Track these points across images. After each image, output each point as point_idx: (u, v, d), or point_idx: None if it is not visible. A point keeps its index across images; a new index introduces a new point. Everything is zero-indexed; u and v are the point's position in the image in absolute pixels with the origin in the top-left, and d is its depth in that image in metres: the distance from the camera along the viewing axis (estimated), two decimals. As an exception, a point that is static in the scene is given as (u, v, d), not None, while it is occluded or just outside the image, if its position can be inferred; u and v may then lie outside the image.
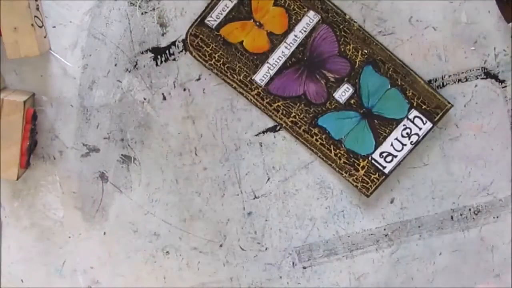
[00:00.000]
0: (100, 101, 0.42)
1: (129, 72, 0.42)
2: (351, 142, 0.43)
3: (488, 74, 0.43)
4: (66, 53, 0.41)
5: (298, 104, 0.42)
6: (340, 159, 0.43)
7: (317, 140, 0.43)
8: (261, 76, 0.42)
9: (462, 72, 0.42)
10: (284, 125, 0.42)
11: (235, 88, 0.42)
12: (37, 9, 0.39)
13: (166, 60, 0.42)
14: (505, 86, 0.43)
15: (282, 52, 0.41)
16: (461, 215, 0.46)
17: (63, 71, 0.42)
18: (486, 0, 0.41)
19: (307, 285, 0.46)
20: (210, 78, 0.42)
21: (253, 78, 0.42)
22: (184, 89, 0.42)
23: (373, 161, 0.43)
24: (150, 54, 0.42)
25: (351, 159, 0.43)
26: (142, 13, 0.41)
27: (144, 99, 0.43)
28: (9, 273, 0.45)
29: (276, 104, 0.42)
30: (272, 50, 0.41)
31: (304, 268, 0.46)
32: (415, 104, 0.42)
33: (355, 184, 0.44)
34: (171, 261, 0.45)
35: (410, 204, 0.45)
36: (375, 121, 0.43)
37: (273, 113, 0.42)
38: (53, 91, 0.42)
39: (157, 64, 0.42)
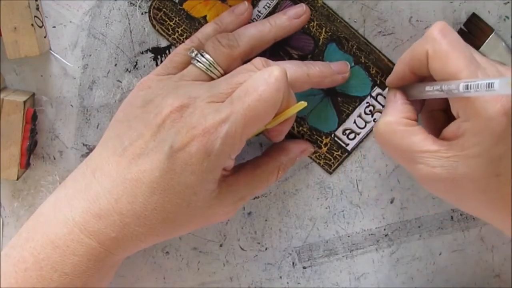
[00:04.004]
0: (100, 101, 0.42)
1: (129, 72, 0.42)
2: (314, 120, 0.43)
3: (488, 74, 0.43)
4: (66, 53, 0.41)
5: None
6: (303, 136, 0.43)
7: None
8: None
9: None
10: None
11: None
12: (37, 9, 0.39)
13: (166, 60, 0.42)
14: (505, 86, 0.43)
15: (246, 28, 0.40)
16: (461, 215, 0.46)
17: (63, 71, 0.42)
18: (486, 0, 0.41)
19: (307, 285, 0.46)
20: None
21: None
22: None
23: (336, 138, 0.43)
24: (150, 54, 0.42)
25: (314, 136, 0.43)
26: (142, 13, 0.41)
27: (144, 99, 0.42)
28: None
29: None
30: (235, 25, 0.40)
31: (304, 268, 0.46)
32: (378, 81, 0.43)
33: (317, 161, 0.44)
34: (171, 261, 0.45)
35: (410, 204, 0.45)
36: (338, 98, 0.43)
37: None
38: (53, 91, 0.42)
39: (157, 64, 0.42)
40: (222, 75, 0.38)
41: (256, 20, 0.41)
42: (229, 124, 0.34)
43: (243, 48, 0.38)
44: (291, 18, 0.40)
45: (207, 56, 0.37)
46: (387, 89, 0.42)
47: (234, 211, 0.38)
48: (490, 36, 0.40)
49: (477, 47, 0.41)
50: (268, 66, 0.37)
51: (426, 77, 0.37)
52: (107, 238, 0.35)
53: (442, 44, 0.34)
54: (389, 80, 0.41)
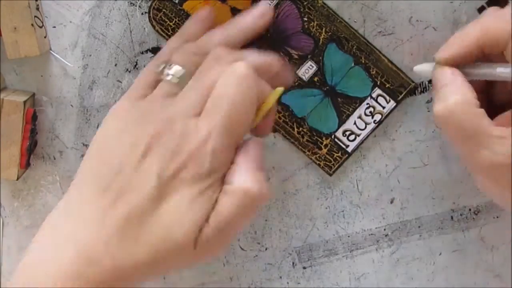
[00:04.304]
0: (100, 101, 0.42)
1: (129, 72, 0.42)
2: (314, 120, 0.43)
3: (488, 74, 0.43)
4: (66, 53, 0.41)
5: None
6: (303, 137, 0.43)
7: (280, 118, 0.43)
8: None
9: (462, 72, 0.42)
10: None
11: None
12: (37, 9, 0.39)
13: (166, 60, 0.42)
14: (505, 86, 0.43)
15: (245, 28, 0.40)
16: (461, 215, 0.46)
17: (63, 71, 0.42)
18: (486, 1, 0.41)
19: (307, 285, 0.46)
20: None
21: None
22: (184, 89, 0.42)
23: (336, 140, 0.43)
24: (150, 54, 0.42)
25: (314, 137, 0.43)
26: (142, 13, 0.41)
27: (144, 99, 0.42)
28: (9, 273, 0.45)
29: None
30: (235, 26, 0.40)
31: (304, 268, 0.46)
32: (378, 82, 0.42)
33: (317, 162, 0.44)
34: (171, 261, 0.45)
35: (410, 204, 0.45)
36: (339, 99, 0.43)
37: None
38: (53, 91, 0.42)
39: (157, 64, 0.42)
40: None
41: None
42: (212, 140, 0.32)
43: None
44: (256, 18, 0.39)
45: (176, 67, 0.35)
46: (424, 65, 0.38)
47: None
48: None
49: None
50: (229, 53, 0.35)
51: (483, 57, 0.35)
52: (101, 282, 0.31)
53: None
54: (446, 55, 0.36)
